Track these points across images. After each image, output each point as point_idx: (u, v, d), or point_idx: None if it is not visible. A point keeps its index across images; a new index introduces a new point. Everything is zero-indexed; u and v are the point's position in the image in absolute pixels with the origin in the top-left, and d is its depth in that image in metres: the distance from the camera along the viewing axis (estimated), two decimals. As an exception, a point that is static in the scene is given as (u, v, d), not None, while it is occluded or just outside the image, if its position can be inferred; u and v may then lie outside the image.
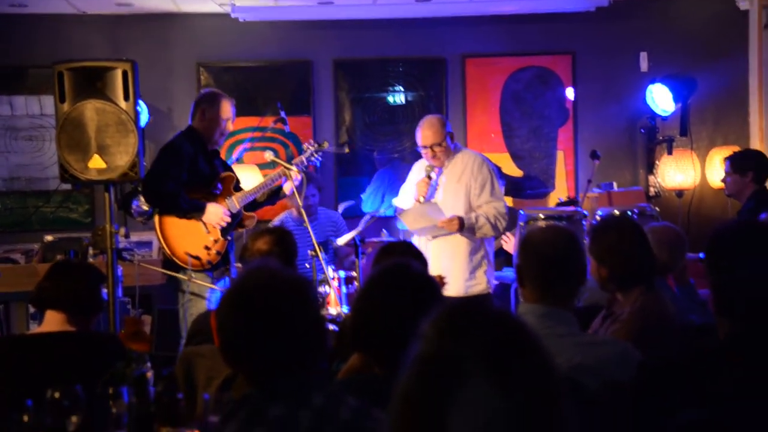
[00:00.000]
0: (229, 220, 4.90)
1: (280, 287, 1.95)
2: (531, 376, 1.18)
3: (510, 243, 5.82)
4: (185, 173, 4.83)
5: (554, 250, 2.63)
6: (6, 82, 6.74)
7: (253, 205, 5.11)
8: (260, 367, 1.92)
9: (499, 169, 6.16)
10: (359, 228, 5.11)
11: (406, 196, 5.19)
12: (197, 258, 4.81)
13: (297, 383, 1.89)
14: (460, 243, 5.01)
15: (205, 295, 4.73)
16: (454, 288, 4.84)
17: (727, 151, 6.26)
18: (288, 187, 5.03)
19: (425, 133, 5.05)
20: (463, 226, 4.91)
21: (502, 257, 6.02)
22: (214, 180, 4.99)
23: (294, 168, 5.00)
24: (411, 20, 6.95)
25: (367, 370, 2.37)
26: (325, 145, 5.29)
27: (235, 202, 4.97)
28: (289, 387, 1.88)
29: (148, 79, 6.20)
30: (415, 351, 1.22)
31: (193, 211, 4.83)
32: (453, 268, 4.96)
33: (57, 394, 2.40)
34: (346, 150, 6.87)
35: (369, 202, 6.81)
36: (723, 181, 5.71)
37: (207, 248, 4.85)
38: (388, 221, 5.88)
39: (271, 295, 1.93)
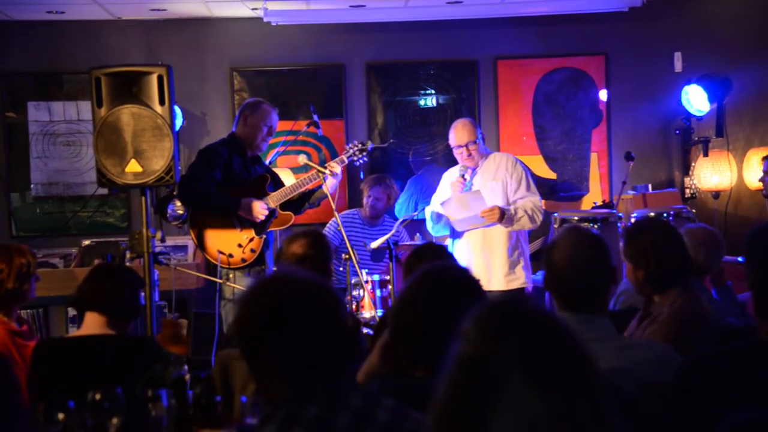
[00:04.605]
0: (266, 212, 4.96)
1: (300, 293, 1.94)
2: (572, 378, 1.18)
3: None
4: (219, 173, 4.92)
5: (575, 268, 2.56)
6: (44, 88, 6.83)
7: (295, 207, 5.16)
8: (283, 375, 1.91)
9: (529, 170, 6.13)
10: (392, 231, 5.12)
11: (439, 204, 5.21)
12: (230, 255, 4.86)
13: (332, 386, 1.89)
14: (499, 239, 5.12)
15: None
16: (495, 283, 5.03)
17: (765, 151, 6.18)
18: (330, 185, 5.08)
19: (459, 133, 5.15)
20: (503, 216, 4.98)
21: (539, 259, 5.99)
22: (248, 181, 5.07)
23: (327, 171, 5.05)
24: (442, 22, 6.95)
25: (387, 369, 2.35)
26: (369, 144, 5.35)
27: (270, 200, 5.04)
28: (324, 389, 1.88)
29: (183, 83, 6.28)
30: (456, 352, 1.22)
31: (227, 206, 4.90)
32: (493, 263, 5.11)
33: (98, 396, 2.42)
34: (390, 141, 6.88)
35: (402, 209, 6.81)
36: (761, 180, 5.64)
37: (240, 246, 4.91)
38: (422, 224, 5.88)
39: (291, 303, 1.92)
